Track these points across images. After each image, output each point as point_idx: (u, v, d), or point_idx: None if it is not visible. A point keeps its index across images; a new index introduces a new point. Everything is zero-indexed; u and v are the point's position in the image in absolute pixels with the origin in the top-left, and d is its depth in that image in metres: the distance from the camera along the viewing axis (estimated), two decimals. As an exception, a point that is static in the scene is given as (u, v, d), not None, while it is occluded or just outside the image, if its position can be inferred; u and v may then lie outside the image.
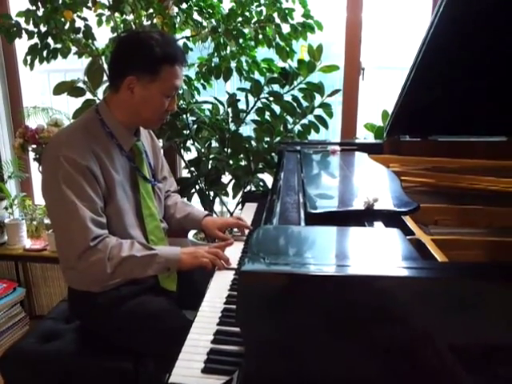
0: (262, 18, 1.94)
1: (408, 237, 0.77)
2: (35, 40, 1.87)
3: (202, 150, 2.10)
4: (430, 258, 0.75)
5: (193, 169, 2.12)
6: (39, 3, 1.79)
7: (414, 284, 0.62)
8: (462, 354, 0.61)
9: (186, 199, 1.90)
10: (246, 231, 1.45)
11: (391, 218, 0.89)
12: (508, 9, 1.08)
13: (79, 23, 1.85)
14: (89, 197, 1.13)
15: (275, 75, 2.01)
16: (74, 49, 1.90)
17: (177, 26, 1.88)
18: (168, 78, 1.18)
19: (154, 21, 1.84)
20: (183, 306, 1.28)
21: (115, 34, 1.90)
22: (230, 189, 2.11)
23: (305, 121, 2.05)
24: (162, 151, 1.52)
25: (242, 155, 2.11)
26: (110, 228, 1.20)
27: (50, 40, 1.88)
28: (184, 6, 1.90)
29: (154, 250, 1.19)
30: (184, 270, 1.23)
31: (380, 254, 0.71)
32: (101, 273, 1.13)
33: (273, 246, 0.74)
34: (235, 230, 1.48)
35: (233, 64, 2.02)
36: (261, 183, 2.12)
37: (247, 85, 2.04)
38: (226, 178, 2.14)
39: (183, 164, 2.17)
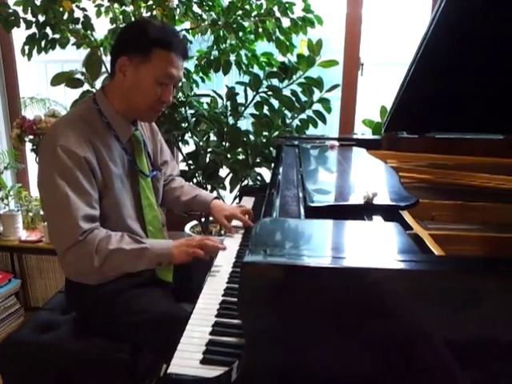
0: (262, 11, 1.94)
1: (406, 231, 0.78)
2: (33, 30, 1.86)
3: (200, 144, 2.10)
4: (427, 252, 0.75)
5: (191, 162, 2.12)
6: (38, -8, 1.78)
7: (412, 277, 0.62)
8: (457, 348, 0.62)
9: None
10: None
11: (390, 213, 0.89)
12: (508, 6, 1.09)
13: (78, 13, 1.84)
14: (83, 189, 1.12)
15: (274, 69, 2.01)
16: (72, 39, 1.89)
17: (176, 18, 1.87)
18: (160, 62, 1.15)
19: (154, 12, 1.83)
20: (180, 299, 1.28)
21: (114, 25, 1.89)
22: (227, 182, 2.11)
23: (303, 115, 2.05)
24: (159, 134, 1.49)
25: (240, 149, 2.11)
26: (107, 220, 1.19)
27: (48, 30, 1.86)
28: (184, -3, 1.89)
29: (145, 244, 1.16)
30: (177, 264, 1.22)
31: (379, 246, 0.72)
32: (88, 266, 1.11)
33: (274, 239, 0.74)
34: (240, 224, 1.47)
35: (232, 57, 2.02)
36: (258, 177, 2.12)
37: (246, 78, 2.04)
38: (223, 171, 2.14)
39: (181, 157, 2.17)
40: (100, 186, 1.17)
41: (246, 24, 1.93)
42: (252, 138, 2.09)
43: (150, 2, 1.84)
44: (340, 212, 0.88)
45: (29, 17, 1.83)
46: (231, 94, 2.05)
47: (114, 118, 1.22)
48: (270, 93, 2.02)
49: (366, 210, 0.89)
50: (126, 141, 1.25)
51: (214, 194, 2.03)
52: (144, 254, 1.15)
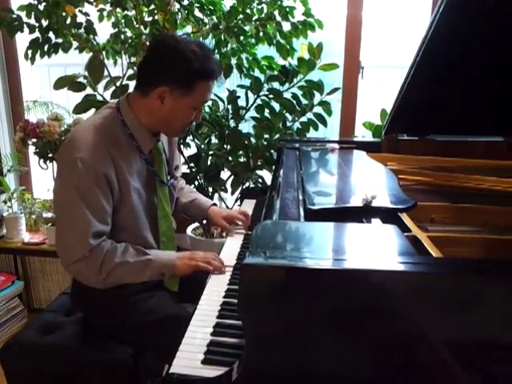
0: (263, 15, 1.95)
1: (405, 234, 0.79)
2: (36, 34, 1.88)
3: (202, 146, 2.12)
4: (426, 254, 0.76)
5: (192, 165, 2.14)
6: (41, -3, 1.80)
7: (410, 278, 0.63)
8: (456, 350, 0.63)
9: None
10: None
11: (389, 215, 0.90)
12: (509, 7, 1.09)
13: (81, 18, 1.85)
14: (99, 205, 1.11)
15: (275, 73, 2.02)
16: (75, 43, 1.91)
17: (178, 22, 1.88)
18: (201, 92, 1.16)
19: (156, 17, 1.84)
20: (183, 300, 1.29)
21: (116, 30, 1.91)
22: (228, 185, 2.13)
23: (304, 118, 2.06)
24: (176, 143, 1.49)
25: (241, 152, 2.12)
26: (123, 230, 1.19)
27: (51, 34, 1.88)
28: (185, 2, 1.90)
29: (149, 256, 1.18)
30: (180, 276, 1.23)
31: (377, 249, 0.73)
32: (93, 277, 1.13)
33: (273, 241, 0.75)
34: (239, 223, 1.49)
35: (233, 61, 2.03)
36: (259, 180, 2.13)
37: (247, 82, 2.05)
38: (225, 174, 2.15)
39: (183, 160, 2.18)
40: (117, 200, 1.16)
41: (246, 28, 1.94)
42: (253, 140, 2.10)
43: (152, 7, 1.85)
44: (339, 215, 0.89)
45: (32, 21, 1.85)
46: (232, 97, 2.06)
47: (137, 130, 1.20)
48: (270, 96, 2.03)
49: (364, 213, 0.90)
50: (148, 152, 1.24)
51: (213, 201, 2.05)
52: (148, 265, 1.17)
